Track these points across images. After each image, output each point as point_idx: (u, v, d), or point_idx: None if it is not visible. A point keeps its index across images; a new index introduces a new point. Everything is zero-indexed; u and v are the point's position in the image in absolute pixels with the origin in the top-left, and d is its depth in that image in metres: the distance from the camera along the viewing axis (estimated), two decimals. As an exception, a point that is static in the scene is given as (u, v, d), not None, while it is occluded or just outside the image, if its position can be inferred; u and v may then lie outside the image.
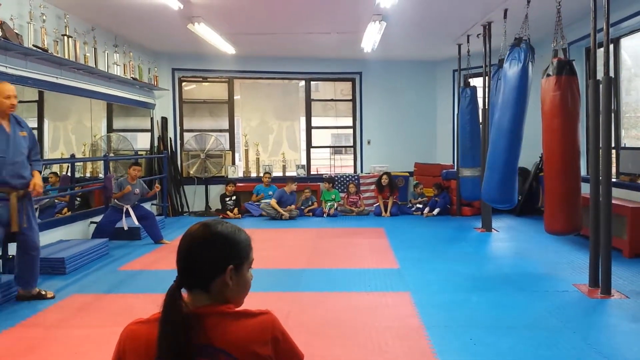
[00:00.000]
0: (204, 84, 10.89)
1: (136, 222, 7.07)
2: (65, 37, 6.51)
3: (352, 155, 11.23)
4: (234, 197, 9.83)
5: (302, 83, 11.03)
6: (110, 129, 8.90)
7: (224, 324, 1.36)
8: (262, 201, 9.66)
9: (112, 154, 8.42)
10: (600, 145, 4.62)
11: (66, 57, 6.48)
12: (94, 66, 7.20)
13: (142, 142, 9.88)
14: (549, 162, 5.00)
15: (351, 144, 11.25)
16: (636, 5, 6.14)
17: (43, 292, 4.74)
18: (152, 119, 9.80)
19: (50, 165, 7.72)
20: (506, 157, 5.76)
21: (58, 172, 7.67)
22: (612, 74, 4.65)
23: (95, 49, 7.29)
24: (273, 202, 9.41)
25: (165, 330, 1.31)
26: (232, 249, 1.44)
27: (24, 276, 4.61)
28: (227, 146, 10.65)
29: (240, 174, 10.68)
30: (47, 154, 7.64)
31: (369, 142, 10.95)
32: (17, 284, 4.67)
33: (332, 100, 11.48)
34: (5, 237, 4.55)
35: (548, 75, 4.89)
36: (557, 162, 4.90)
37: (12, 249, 5.25)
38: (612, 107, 4.87)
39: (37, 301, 4.63)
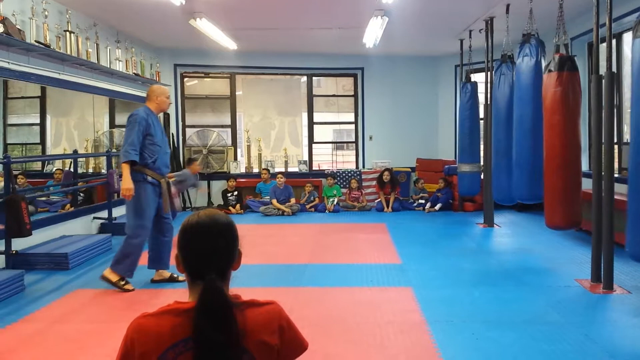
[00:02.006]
0: (205, 79, 10.89)
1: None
2: (68, 33, 6.51)
3: (354, 151, 11.22)
4: (235, 193, 9.83)
5: (304, 79, 11.02)
6: (112, 124, 8.90)
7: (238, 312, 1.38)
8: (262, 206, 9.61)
9: (114, 150, 8.42)
10: (603, 141, 4.62)
11: (68, 52, 6.48)
12: (96, 62, 7.20)
13: (144, 137, 9.86)
14: (549, 158, 5.00)
15: (353, 140, 11.24)
16: (638, 0, 6.12)
17: (175, 276, 5.02)
18: (154, 114, 9.77)
19: (54, 162, 7.74)
20: (532, 153, 5.73)
21: (62, 168, 7.70)
22: (614, 69, 4.65)
23: (97, 44, 7.29)
24: (274, 202, 9.42)
25: (215, 320, 1.32)
26: (237, 234, 1.49)
27: (159, 258, 5.00)
28: (229, 142, 10.65)
29: (243, 170, 10.69)
30: (50, 150, 7.67)
31: (370, 138, 10.95)
32: (150, 267, 5.06)
33: (334, 95, 11.48)
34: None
35: (550, 70, 4.89)
36: (557, 157, 4.91)
37: (15, 244, 5.28)
38: (615, 103, 4.86)
39: (45, 296, 4.67)
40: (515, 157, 5.95)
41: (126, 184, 4.66)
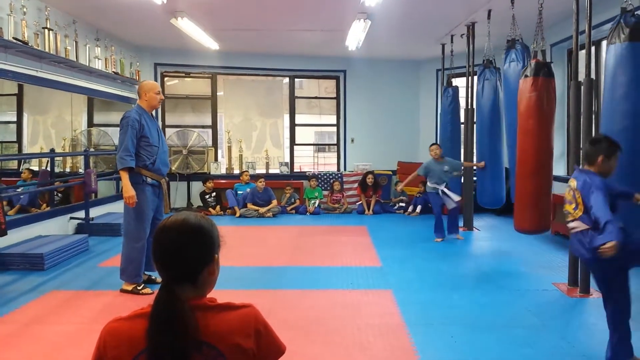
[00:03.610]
0: (186, 79, 10.80)
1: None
2: (46, 30, 6.41)
3: (336, 153, 11.23)
4: (213, 194, 9.76)
5: (286, 80, 11.00)
6: (90, 123, 8.80)
7: (207, 316, 1.36)
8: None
9: (92, 149, 8.32)
10: (581, 146, 4.67)
11: (47, 50, 6.38)
12: (75, 60, 7.10)
13: (124, 137, 9.76)
14: (521, 162, 5.06)
15: (335, 142, 11.25)
16: (618, 8, 6.19)
17: (153, 277, 4.99)
18: (134, 114, 9.67)
19: (29, 160, 7.62)
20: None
21: (37, 167, 7.57)
22: (593, 75, 4.71)
23: (76, 42, 7.19)
24: (249, 205, 9.39)
25: (162, 326, 1.30)
26: (214, 238, 1.46)
27: (147, 260, 4.80)
28: (210, 142, 10.58)
29: (223, 171, 10.62)
30: (27, 149, 7.55)
31: (352, 141, 10.96)
32: (147, 270, 4.90)
33: (316, 97, 11.47)
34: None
35: (525, 76, 4.95)
36: (529, 162, 4.97)
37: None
38: (593, 109, 4.93)
39: (19, 297, 4.59)
40: (509, 161, 5.97)
41: (127, 191, 4.58)
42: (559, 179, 6.93)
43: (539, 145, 4.92)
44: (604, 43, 7.05)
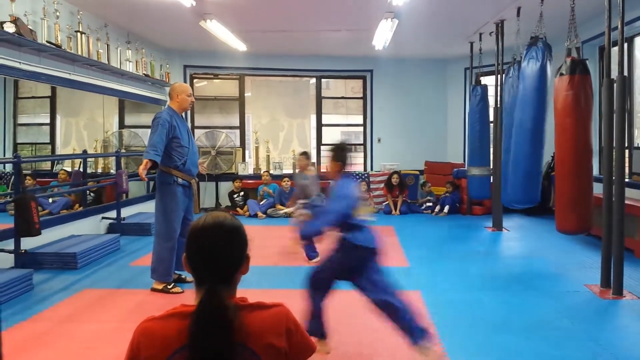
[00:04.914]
0: (215, 80, 10.91)
1: None
2: (79, 34, 6.54)
3: (363, 153, 11.20)
4: (242, 194, 9.83)
5: (313, 80, 11.02)
6: (122, 125, 8.95)
7: (242, 316, 1.37)
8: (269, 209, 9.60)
9: (123, 150, 8.46)
10: (614, 145, 4.58)
11: (79, 53, 6.51)
12: (107, 62, 7.23)
13: (153, 138, 9.89)
14: (560, 162, 4.96)
15: (361, 142, 11.22)
16: (651, 4, 6.07)
17: (183, 277, 5.08)
18: (163, 115, 9.80)
19: (63, 161, 7.78)
20: (529, 157, 5.69)
21: (70, 168, 7.73)
22: (625, 73, 4.61)
23: (108, 45, 7.33)
24: (278, 206, 9.44)
25: (211, 328, 1.31)
26: (246, 238, 1.47)
27: (177, 259, 4.86)
28: (238, 143, 10.66)
29: (251, 171, 10.69)
30: (60, 150, 7.71)
31: (379, 140, 10.92)
32: (177, 269, 4.95)
33: (342, 97, 11.46)
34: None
35: (561, 74, 4.86)
36: (568, 161, 4.87)
37: (25, 244, 5.30)
38: (626, 107, 4.83)
39: (53, 296, 4.69)
40: (512, 159, 5.89)
41: (139, 170, 4.54)
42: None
43: (578, 144, 4.81)
44: (637, 39, 6.91)
